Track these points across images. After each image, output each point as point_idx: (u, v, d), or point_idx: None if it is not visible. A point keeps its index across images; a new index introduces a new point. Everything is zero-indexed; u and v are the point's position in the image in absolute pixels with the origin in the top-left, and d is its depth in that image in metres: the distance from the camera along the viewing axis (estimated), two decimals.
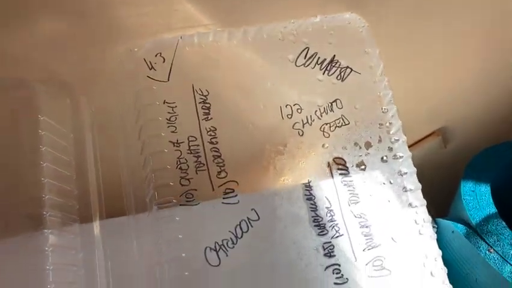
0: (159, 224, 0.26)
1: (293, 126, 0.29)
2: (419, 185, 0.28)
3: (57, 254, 0.26)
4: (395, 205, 0.28)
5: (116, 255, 0.29)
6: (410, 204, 0.28)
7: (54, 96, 0.30)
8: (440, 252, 0.27)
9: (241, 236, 0.26)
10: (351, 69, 0.30)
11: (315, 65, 0.29)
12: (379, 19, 0.34)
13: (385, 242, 0.27)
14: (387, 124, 0.29)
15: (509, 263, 0.34)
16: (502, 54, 0.43)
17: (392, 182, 0.28)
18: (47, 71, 0.30)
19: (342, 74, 0.30)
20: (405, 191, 0.28)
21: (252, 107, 0.29)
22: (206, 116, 0.28)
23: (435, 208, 0.43)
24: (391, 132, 0.29)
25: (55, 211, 0.27)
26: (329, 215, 0.27)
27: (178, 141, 0.27)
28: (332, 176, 0.28)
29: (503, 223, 0.37)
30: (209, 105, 0.28)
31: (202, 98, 0.28)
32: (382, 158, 0.29)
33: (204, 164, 0.27)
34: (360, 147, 0.29)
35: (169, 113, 0.28)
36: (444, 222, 0.40)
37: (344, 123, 0.29)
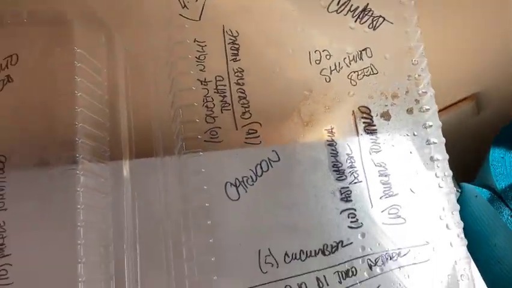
0: (184, 158, 0.27)
1: (320, 72, 0.29)
2: (443, 139, 0.28)
3: (88, 194, 0.27)
4: (416, 157, 0.28)
5: (143, 195, 0.30)
6: (431, 158, 0.28)
7: (90, 32, 0.31)
8: (458, 207, 0.27)
9: (261, 175, 0.27)
10: (384, 19, 0.29)
11: (348, 12, 0.29)
12: None
13: (403, 191, 0.27)
14: (416, 76, 0.29)
15: None
16: None
17: (416, 134, 0.28)
18: (85, 6, 0.31)
19: (375, 22, 0.29)
20: (429, 144, 0.28)
21: (281, 51, 0.29)
22: (234, 57, 0.28)
23: (461, 174, 0.42)
24: (419, 85, 0.29)
25: (88, 141, 0.28)
26: (349, 161, 0.27)
27: (206, 80, 0.28)
28: (356, 124, 0.28)
29: None
30: (238, 46, 0.28)
31: (231, 39, 0.29)
32: (408, 110, 0.28)
33: (229, 104, 0.28)
34: (387, 98, 0.28)
35: (198, 51, 0.28)
36: (469, 187, 0.40)
37: (372, 72, 0.29)
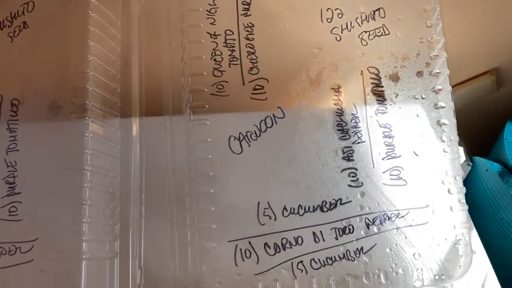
0: (190, 111, 0.28)
1: (331, 31, 0.28)
2: (452, 104, 0.28)
3: (97, 141, 0.28)
4: (423, 120, 0.27)
5: (151, 147, 0.30)
6: (438, 122, 0.27)
7: None
8: (461, 172, 0.27)
9: (265, 131, 0.27)
10: None
11: None
12: None
13: (406, 154, 0.27)
14: (429, 39, 0.28)
15: None
16: None
17: (424, 97, 0.28)
18: None
19: None
20: (437, 107, 0.27)
21: (292, 7, 0.28)
22: (245, 12, 0.28)
23: (477, 149, 0.41)
24: (432, 48, 0.28)
25: (99, 90, 0.29)
26: (353, 121, 0.27)
27: (216, 34, 0.28)
28: (363, 85, 0.28)
29: None
30: (249, 1, 0.28)
31: None
32: (418, 73, 0.28)
33: (237, 59, 0.28)
34: (397, 59, 0.28)
35: (209, 4, 0.28)
36: (480, 160, 0.39)
37: (383, 33, 0.28)
